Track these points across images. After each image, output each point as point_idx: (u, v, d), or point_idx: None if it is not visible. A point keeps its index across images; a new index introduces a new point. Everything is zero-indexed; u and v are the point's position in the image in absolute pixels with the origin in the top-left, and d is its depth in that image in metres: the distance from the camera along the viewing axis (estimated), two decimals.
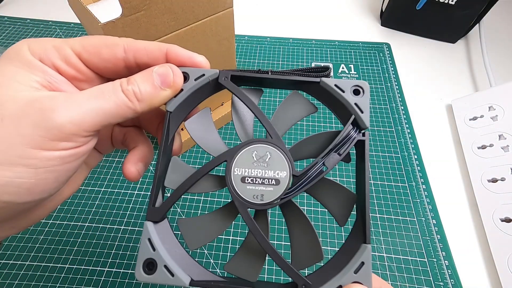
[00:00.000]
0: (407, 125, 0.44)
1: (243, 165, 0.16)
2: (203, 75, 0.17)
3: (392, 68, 0.52)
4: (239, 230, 0.34)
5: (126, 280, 0.31)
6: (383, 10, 0.59)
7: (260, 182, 0.16)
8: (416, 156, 0.41)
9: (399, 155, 0.41)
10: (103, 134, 0.19)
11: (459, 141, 0.42)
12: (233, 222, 0.18)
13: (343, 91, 0.17)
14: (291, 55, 0.54)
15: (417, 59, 0.54)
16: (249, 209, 0.16)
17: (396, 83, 0.50)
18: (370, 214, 0.36)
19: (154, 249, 0.15)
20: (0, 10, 0.61)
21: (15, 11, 0.61)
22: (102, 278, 0.31)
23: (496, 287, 0.32)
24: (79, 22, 0.56)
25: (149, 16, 0.25)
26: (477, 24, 0.54)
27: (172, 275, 0.15)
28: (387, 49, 0.55)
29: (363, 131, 0.17)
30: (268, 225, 0.18)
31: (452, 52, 0.55)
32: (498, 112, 0.39)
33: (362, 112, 0.16)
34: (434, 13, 0.53)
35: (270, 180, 0.16)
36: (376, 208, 0.36)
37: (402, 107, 0.46)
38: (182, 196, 0.17)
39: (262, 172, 0.16)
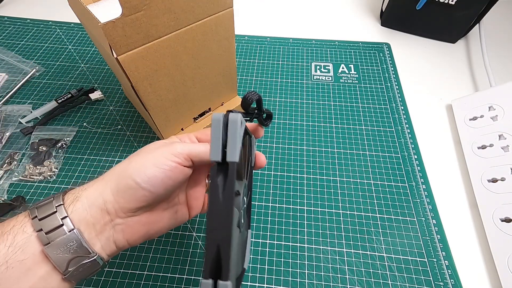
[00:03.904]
0: (407, 125, 0.44)
1: None
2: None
3: (392, 68, 0.52)
4: None
5: (126, 280, 0.31)
6: (383, 10, 0.59)
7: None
8: (416, 156, 0.41)
9: (399, 155, 0.41)
10: (198, 197, 0.26)
11: (459, 141, 0.42)
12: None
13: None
14: (291, 55, 0.54)
15: (417, 59, 0.54)
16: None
17: (396, 83, 0.50)
18: (370, 214, 0.36)
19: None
20: (0, 10, 0.61)
21: (15, 11, 0.61)
22: (102, 278, 0.31)
23: (496, 287, 0.32)
24: (79, 22, 0.57)
25: (149, 16, 0.25)
26: (477, 24, 0.54)
27: None
28: (387, 49, 0.55)
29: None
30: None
31: (452, 52, 0.55)
32: (498, 112, 0.39)
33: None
34: (434, 13, 0.53)
35: None
36: (376, 208, 0.36)
37: (402, 107, 0.46)
38: None
39: None
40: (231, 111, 0.18)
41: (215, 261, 0.16)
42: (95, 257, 0.20)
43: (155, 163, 0.20)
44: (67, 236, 0.19)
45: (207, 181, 0.27)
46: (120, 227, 0.21)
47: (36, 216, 0.19)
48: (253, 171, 0.29)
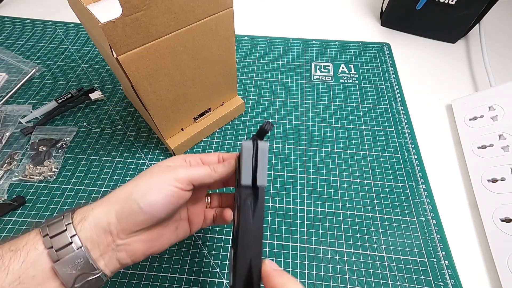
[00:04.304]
0: (407, 125, 0.44)
1: None
2: None
3: (392, 68, 0.52)
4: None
5: (126, 280, 0.31)
6: (383, 10, 0.59)
7: None
8: (416, 156, 0.41)
9: (399, 155, 0.41)
10: (198, 213, 0.28)
11: (459, 141, 0.42)
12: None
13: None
14: (291, 55, 0.54)
15: (417, 59, 0.54)
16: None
17: (396, 83, 0.50)
18: (370, 214, 0.36)
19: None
20: (0, 10, 0.61)
21: (15, 11, 0.61)
22: None
23: (496, 287, 0.32)
24: (79, 22, 0.57)
25: (149, 16, 0.25)
26: (477, 24, 0.54)
27: None
28: (387, 49, 0.55)
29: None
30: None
31: (452, 52, 0.55)
32: (498, 112, 0.39)
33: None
34: (434, 13, 0.53)
35: None
36: (376, 208, 0.36)
37: (402, 107, 0.46)
38: None
39: None
40: (256, 139, 0.21)
41: (248, 273, 0.18)
42: (99, 274, 0.20)
43: (159, 188, 0.22)
44: (76, 254, 0.20)
45: (206, 199, 0.29)
46: (122, 247, 0.22)
47: (47, 234, 0.20)
48: None
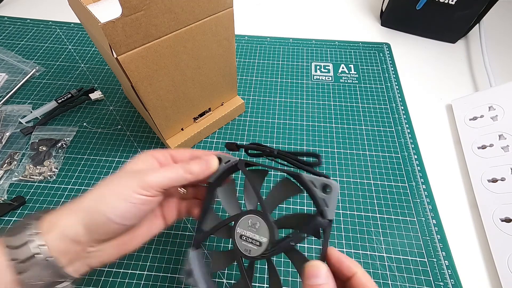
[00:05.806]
0: (407, 125, 0.44)
1: (242, 227, 0.23)
2: (229, 161, 0.25)
3: (392, 68, 0.52)
4: None
5: (126, 280, 0.31)
6: (383, 10, 0.59)
7: (250, 241, 0.22)
8: (416, 156, 0.41)
9: (399, 155, 0.41)
10: (171, 206, 0.27)
11: (459, 141, 0.42)
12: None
13: (316, 187, 0.21)
14: (291, 55, 0.54)
15: (417, 59, 0.54)
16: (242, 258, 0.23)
17: (396, 83, 0.50)
18: (370, 214, 0.36)
19: (191, 265, 0.24)
20: (0, 10, 0.61)
21: (15, 11, 0.61)
22: (102, 278, 0.31)
23: (496, 287, 0.32)
24: (79, 22, 0.57)
25: (149, 16, 0.25)
26: (477, 24, 0.54)
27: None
28: (387, 49, 0.55)
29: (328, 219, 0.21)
30: (252, 272, 0.24)
31: (452, 52, 0.55)
32: (498, 112, 0.39)
33: (327, 206, 0.21)
34: (434, 13, 0.53)
35: (255, 242, 0.22)
36: (376, 208, 0.36)
37: (402, 107, 0.46)
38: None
39: (252, 234, 0.22)
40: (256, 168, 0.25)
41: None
42: (67, 285, 0.20)
43: (126, 199, 0.21)
44: (43, 264, 0.19)
45: (180, 189, 0.28)
46: (93, 254, 0.21)
47: (11, 245, 0.19)
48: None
